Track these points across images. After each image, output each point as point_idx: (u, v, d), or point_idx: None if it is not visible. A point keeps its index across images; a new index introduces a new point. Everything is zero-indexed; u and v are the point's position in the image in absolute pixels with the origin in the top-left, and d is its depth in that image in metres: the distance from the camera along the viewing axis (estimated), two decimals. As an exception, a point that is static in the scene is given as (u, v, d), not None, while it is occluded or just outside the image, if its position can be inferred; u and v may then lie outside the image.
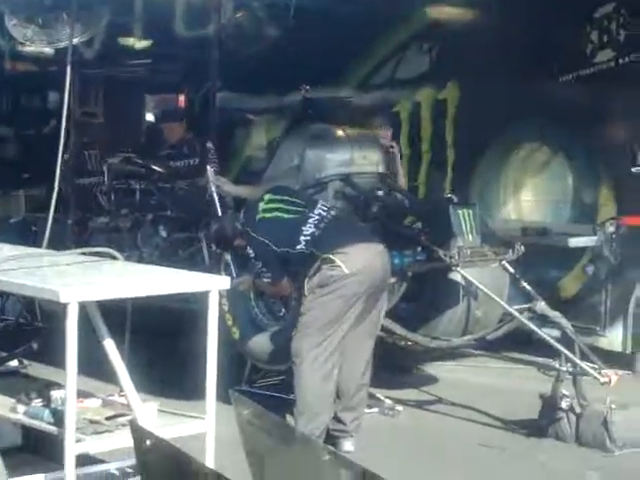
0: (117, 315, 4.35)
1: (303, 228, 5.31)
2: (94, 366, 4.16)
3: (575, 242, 7.15)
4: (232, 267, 6.24)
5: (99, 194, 7.87)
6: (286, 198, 5.52)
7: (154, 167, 7.65)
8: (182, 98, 10.18)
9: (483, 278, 6.26)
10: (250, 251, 5.42)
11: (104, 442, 3.90)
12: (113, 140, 9.08)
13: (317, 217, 5.36)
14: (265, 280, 5.64)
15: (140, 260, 6.95)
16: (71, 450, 3.73)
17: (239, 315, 6.34)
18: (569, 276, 7.50)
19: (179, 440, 3.19)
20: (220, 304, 4.43)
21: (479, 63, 7.82)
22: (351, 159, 6.40)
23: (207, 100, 7.16)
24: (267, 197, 5.52)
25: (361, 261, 5.21)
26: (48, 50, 8.51)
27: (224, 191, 6.54)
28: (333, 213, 5.47)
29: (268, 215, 5.44)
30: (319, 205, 5.47)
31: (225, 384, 4.13)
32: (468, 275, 6.20)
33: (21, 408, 4.16)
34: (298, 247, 5.28)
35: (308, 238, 5.28)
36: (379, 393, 6.17)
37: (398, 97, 8.88)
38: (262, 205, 5.47)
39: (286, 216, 5.43)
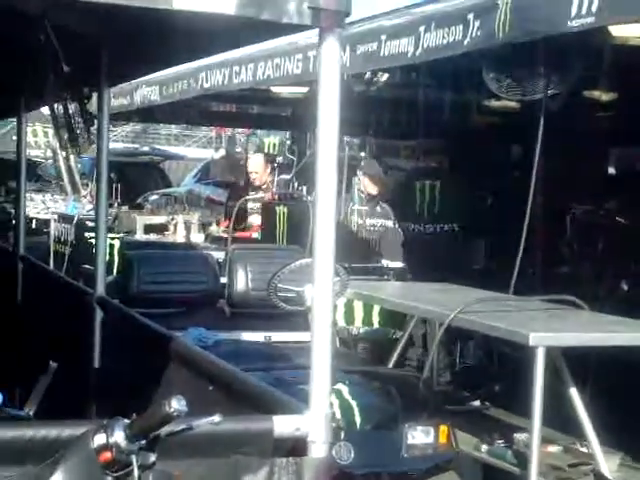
0: (579, 364, 4.35)
1: None
2: (555, 412, 4.19)
3: None
4: None
5: (561, 244, 7.92)
6: None
7: (619, 219, 7.56)
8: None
9: None
10: None
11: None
12: (576, 191, 9.08)
13: None
14: None
15: (601, 312, 6.87)
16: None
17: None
18: None
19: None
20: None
21: None
22: None
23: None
24: None
25: None
26: (514, 104, 8.75)
27: None
28: None
29: None
30: None
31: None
32: None
33: (484, 447, 4.32)
34: None
35: None
36: None
37: None
38: None
39: None
